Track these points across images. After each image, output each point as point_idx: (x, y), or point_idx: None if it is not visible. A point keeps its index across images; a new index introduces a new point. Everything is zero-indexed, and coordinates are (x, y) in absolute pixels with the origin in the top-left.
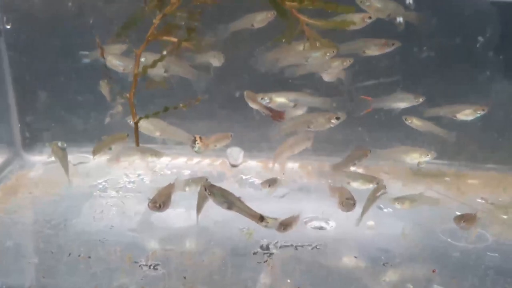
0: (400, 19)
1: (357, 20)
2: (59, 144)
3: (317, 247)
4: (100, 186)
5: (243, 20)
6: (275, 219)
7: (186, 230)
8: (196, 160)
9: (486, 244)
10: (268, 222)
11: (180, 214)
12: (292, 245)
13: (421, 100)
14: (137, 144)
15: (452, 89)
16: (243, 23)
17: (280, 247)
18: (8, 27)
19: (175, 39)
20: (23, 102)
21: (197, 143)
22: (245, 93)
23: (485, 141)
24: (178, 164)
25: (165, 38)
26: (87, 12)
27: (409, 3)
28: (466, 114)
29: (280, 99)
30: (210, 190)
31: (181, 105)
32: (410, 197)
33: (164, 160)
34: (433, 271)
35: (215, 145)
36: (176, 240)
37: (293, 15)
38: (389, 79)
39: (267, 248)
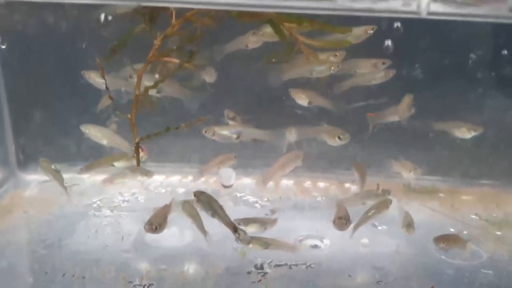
0: (388, 43)
1: (360, 33)
2: (53, 166)
3: (312, 266)
4: (95, 205)
5: (237, 41)
6: (245, 233)
7: (180, 250)
8: (190, 178)
9: (480, 261)
10: (239, 235)
11: (174, 233)
12: (286, 264)
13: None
14: (138, 164)
15: (445, 106)
16: (237, 44)
17: (274, 266)
18: (3, 47)
19: (176, 61)
20: (18, 121)
21: None
22: (225, 112)
23: (479, 157)
24: (172, 182)
25: (166, 59)
26: (83, 32)
27: (397, 26)
28: (463, 132)
29: (223, 132)
30: (198, 197)
31: (183, 125)
32: None
33: (159, 178)
34: (432, 287)
35: (218, 167)
36: (170, 259)
37: (291, 35)
38: (377, 101)
39: (261, 267)
